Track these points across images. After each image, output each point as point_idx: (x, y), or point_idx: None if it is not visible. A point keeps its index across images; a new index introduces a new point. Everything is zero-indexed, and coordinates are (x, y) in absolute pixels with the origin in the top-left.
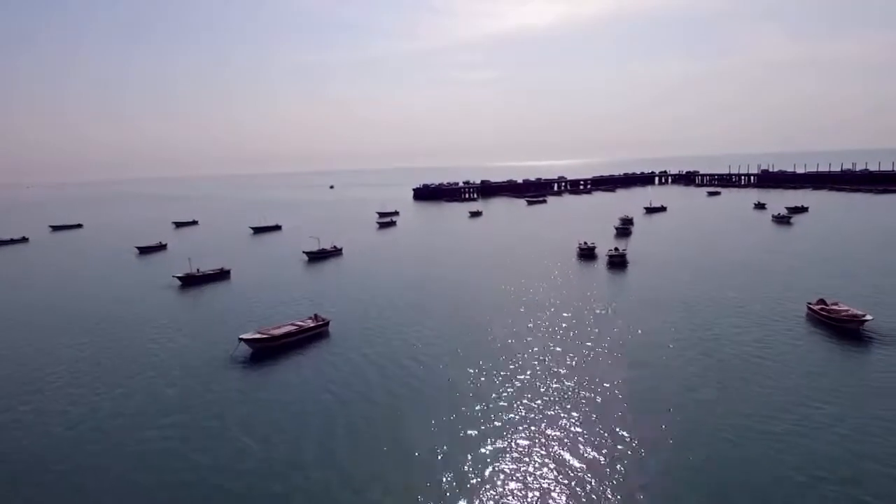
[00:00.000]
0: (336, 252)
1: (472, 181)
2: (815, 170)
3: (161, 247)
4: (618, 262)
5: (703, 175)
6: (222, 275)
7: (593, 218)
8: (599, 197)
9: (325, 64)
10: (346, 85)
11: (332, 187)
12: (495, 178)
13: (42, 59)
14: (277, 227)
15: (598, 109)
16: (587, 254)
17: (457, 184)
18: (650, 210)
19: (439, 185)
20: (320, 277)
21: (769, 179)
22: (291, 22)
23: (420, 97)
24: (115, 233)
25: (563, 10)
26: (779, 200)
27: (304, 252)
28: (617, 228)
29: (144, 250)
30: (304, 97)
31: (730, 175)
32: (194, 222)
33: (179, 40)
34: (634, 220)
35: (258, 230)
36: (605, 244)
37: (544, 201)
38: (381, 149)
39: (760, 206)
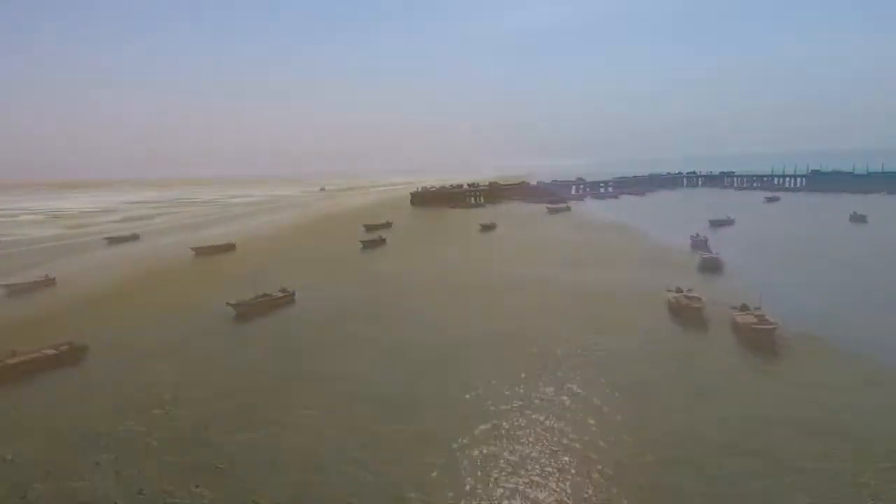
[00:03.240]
0: (285, 298)
1: (478, 183)
2: (879, 169)
3: (45, 283)
4: (765, 338)
5: (738, 176)
6: (68, 356)
7: (642, 235)
8: (627, 202)
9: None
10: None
11: (322, 189)
12: (487, 176)
13: (44, 59)
14: (231, 247)
15: (597, 109)
16: (688, 310)
17: (461, 186)
18: (715, 224)
19: (440, 187)
20: (237, 367)
21: (823, 181)
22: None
23: (417, 96)
24: (23, 254)
25: (565, 8)
26: (861, 208)
27: (229, 304)
28: (704, 259)
29: (15, 289)
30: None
31: (771, 176)
32: (134, 237)
33: (179, 38)
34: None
35: (202, 251)
36: (692, 285)
37: (568, 209)
38: (378, 149)
39: (860, 219)
